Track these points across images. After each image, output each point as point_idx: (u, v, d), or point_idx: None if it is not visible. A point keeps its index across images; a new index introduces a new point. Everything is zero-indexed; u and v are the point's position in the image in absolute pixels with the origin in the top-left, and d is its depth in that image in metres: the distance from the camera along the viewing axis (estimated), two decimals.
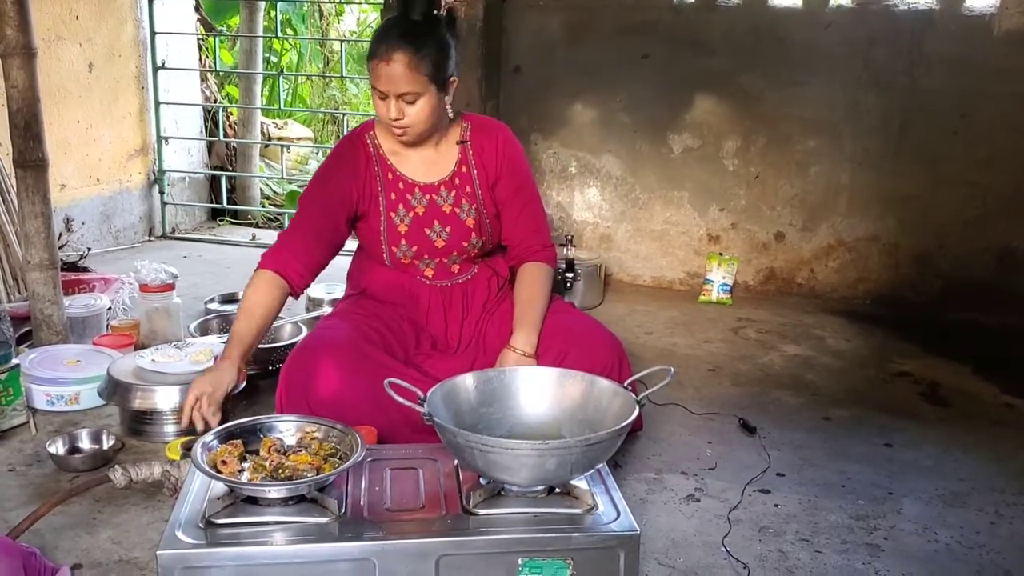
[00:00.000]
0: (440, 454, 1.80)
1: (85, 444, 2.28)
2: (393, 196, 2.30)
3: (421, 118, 2.16)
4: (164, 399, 2.34)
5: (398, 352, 2.26)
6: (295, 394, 2.11)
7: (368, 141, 2.32)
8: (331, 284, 3.62)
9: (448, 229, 2.31)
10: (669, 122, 4.00)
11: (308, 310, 3.54)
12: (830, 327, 3.61)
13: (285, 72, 6.99)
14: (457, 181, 2.32)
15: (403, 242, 2.29)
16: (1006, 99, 3.61)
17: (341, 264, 2.64)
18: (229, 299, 3.57)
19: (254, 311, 2.14)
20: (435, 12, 2.17)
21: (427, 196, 2.30)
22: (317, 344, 2.18)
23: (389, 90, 2.11)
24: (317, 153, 6.83)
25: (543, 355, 2.25)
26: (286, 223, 5.00)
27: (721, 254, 3.98)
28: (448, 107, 2.23)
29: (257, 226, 5.30)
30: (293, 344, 2.68)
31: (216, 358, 2.38)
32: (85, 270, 3.75)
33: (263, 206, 5.63)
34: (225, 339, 2.61)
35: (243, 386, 2.17)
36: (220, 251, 4.66)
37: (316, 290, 3.56)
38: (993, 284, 3.74)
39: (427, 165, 2.32)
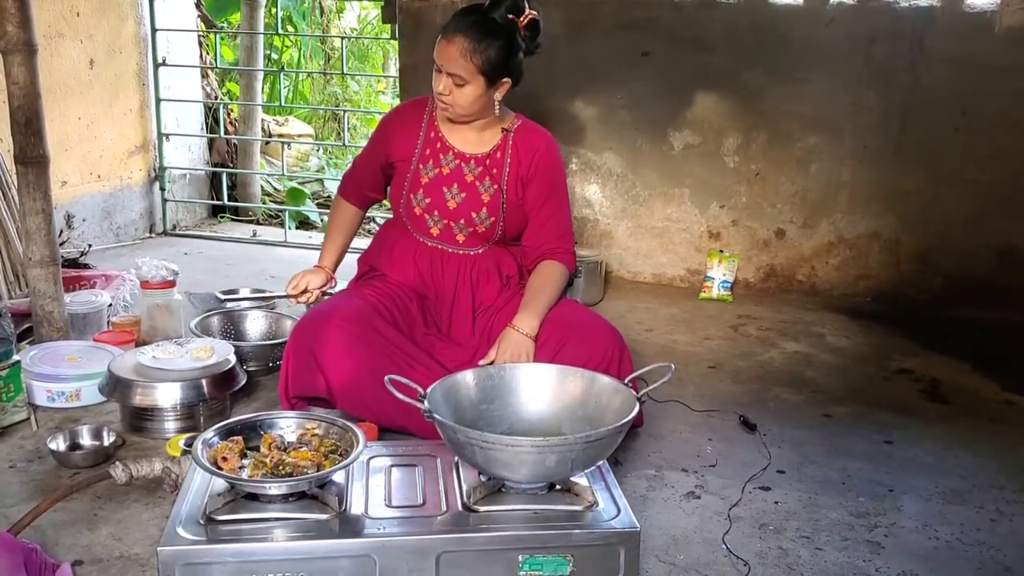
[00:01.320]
0: (440, 451, 1.80)
1: (86, 440, 2.28)
2: (428, 152, 2.46)
3: (464, 101, 2.31)
4: (165, 396, 2.34)
5: (404, 329, 2.35)
6: (302, 362, 2.16)
7: (427, 105, 2.49)
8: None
9: (463, 195, 2.42)
10: (670, 119, 4.00)
11: (308, 307, 3.54)
12: (830, 324, 3.60)
13: (286, 69, 6.99)
14: (488, 162, 2.44)
15: (420, 191, 2.44)
16: (1007, 96, 3.60)
17: (346, 260, 2.66)
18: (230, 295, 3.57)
19: (335, 229, 2.66)
20: (515, 17, 2.28)
21: (457, 161, 2.44)
22: (325, 313, 2.29)
23: (443, 66, 2.27)
24: (318, 150, 6.84)
25: (544, 343, 2.28)
26: (287, 220, 5.02)
27: (722, 251, 3.98)
28: (496, 103, 2.36)
29: (258, 223, 5.30)
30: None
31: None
32: (86, 267, 3.75)
33: (264, 203, 5.63)
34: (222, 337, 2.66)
35: (335, 287, 2.62)
36: (221, 248, 4.66)
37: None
38: (994, 281, 3.74)
39: (469, 139, 2.46)
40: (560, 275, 2.43)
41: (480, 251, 2.48)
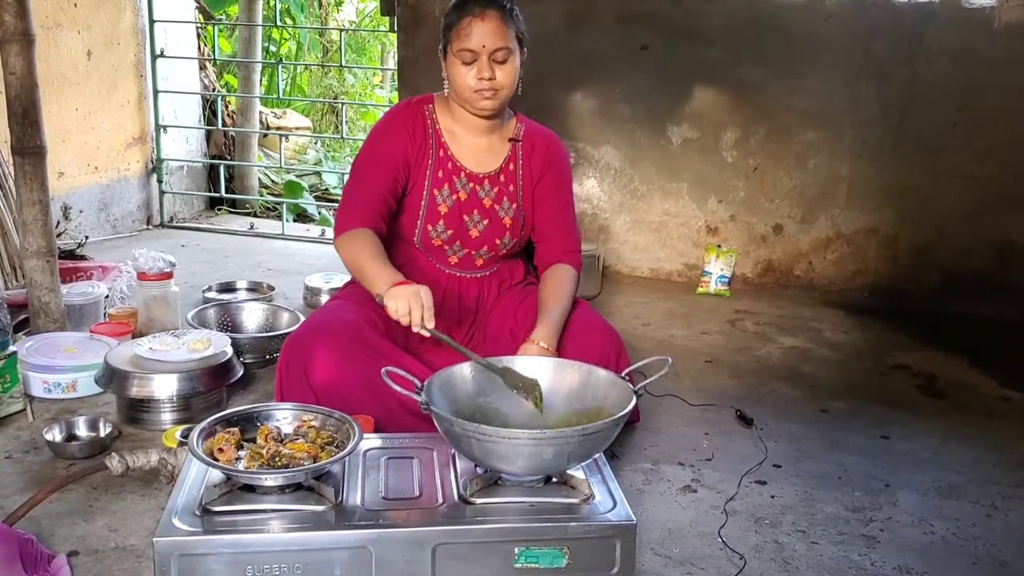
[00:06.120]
0: (437, 443, 1.80)
1: (82, 432, 2.27)
2: (440, 174, 2.28)
3: (510, 79, 2.18)
4: (161, 387, 2.34)
5: (399, 338, 2.23)
6: (293, 379, 2.11)
7: (426, 113, 2.30)
8: (329, 273, 3.63)
9: (486, 222, 2.31)
10: (668, 113, 3.99)
11: (306, 300, 3.54)
12: (828, 319, 3.61)
13: (284, 61, 6.97)
14: (502, 178, 2.33)
15: (441, 223, 2.28)
16: (1006, 91, 3.60)
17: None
18: (227, 288, 3.58)
19: (368, 251, 2.05)
20: None
21: (471, 184, 2.30)
22: (315, 329, 2.15)
23: (484, 47, 2.11)
24: (316, 143, 6.83)
25: None
26: (284, 213, 5.01)
27: (719, 246, 3.98)
28: (520, 79, 2.23)
29: (255, 215, 5.30)
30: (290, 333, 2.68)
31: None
32: (83, 258, 3.74)
33: (261, 195, 5.63)
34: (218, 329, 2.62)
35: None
36: (218, 240, 4.66)
37: (314, 279, 3.56)
38: (991, 277, 3.74)
39: (477, 154, 2.32)
40: (571, 279, 2.35)
41: (495, 268, 2.41)
